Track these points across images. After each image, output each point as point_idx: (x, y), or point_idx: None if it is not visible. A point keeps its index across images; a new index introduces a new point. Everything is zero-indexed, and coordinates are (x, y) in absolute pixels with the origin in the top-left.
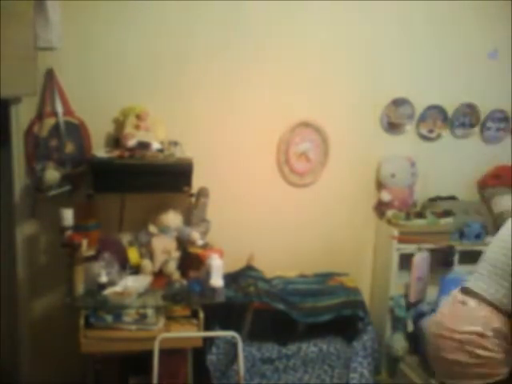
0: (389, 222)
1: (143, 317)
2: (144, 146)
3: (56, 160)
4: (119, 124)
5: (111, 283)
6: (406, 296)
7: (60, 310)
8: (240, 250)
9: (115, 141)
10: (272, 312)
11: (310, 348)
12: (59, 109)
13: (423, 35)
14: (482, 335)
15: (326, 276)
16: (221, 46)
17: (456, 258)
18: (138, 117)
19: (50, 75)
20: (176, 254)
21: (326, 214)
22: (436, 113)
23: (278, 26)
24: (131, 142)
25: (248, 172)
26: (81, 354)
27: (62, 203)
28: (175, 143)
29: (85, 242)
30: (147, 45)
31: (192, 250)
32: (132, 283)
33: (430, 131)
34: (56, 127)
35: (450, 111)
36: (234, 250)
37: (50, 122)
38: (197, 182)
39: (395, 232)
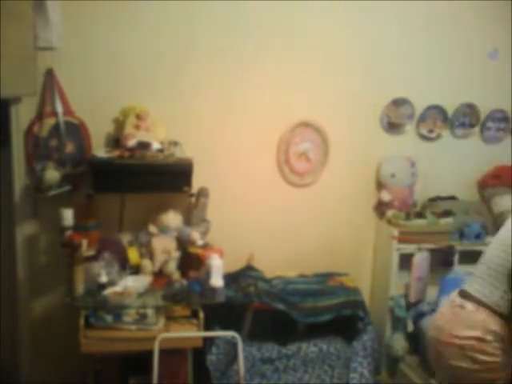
0: (389, 222)
1: (143, 317)
2: (144, 145)
3: (56, 160)
4: (119, 124)
5: (111, 283)
6: (406, 296)
7: (60, 310)
8: (240, 250)
9: (115, 141)
10: (272, 312)
11: (310, 348)
12: (59, 109)
13: (423, 35)
14: (482, 340)
15: (326, 276)
16: (221, 46)
17: (456, 258)
18: (138, 117)
19: (50, 75)
20: (176, 254)
21: (325, 214)
22: (436, 113)
23: (278, 25)
24: (131, 142)
25: (248, 172)
26: (81, 354)
27: (62, 203)
28: (175, 143)
29: (85, 242)
30: (148, 45)
31: (192, 249)
32: (132, 283)
33: (430, 131)
34: (56, 127)
35: (450, 111)
36: (234, 250)
37: (49, 122)
38: (197, 182)
39: (395, 232)
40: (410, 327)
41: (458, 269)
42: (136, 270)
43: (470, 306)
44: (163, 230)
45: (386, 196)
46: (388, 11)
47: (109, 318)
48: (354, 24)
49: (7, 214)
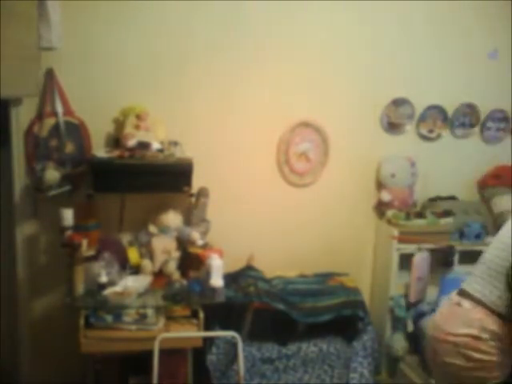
0: (389, 222)
1: (143, 317)
2: (144, 145)
3: (56, 160)
4: (119, 124)
5: (111, 283)
6: (406, 296)
7: (60, 310)
8: (240, 250)
9: (115, 141)
10: (272, 312)
11: (310, 348)
12: (59, 109)
13: (423, 35)
14: (477, 338)
15: (326, 276)
16: (221, 46)
17: (456, 258)
18: (138, 117)
19: (50, 75)
20: (176, 254)
21: (325, 214)
22: (436, 113)
23: (277, 25)
24: (131, 142)
25: (248, 172)
26: (81, 354)
27: (62, 203)
28: (175, 143)
29: (85, 242)
30: (147, 45)
31: (192, 249)
32: (132, 283)
33: (430, 131)
34: (56, 127)
35: (450, 111)
36: (234, 250)
37: (49, 121)
38: (197, 182)
39: (395, 232)
40: (410, 327)
41: (458, 269)
42: (136, 270)
43: (467, 303)
44: (163, 230)
45: (385, 196)
46: (388, 11)
47: (109, 318)
48: (353, 24)
49: (7, 214)
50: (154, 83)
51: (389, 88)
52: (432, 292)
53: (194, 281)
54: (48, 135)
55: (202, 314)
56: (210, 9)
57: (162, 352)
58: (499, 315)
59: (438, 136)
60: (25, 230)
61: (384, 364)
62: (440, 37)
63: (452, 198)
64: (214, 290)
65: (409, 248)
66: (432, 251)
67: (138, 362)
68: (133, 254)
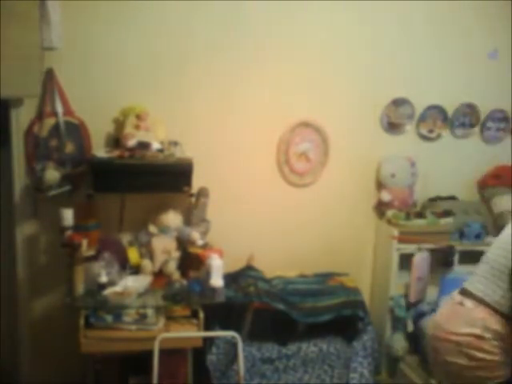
0: (389, 222)
1: (143, 317)
2: (144, 145)
3: (56, 160)
4: (119, 124)
5: (111, 283)
6: (406, 296)
7: (60, 310)
8: (240, 250)
9: (115, 141)
10: (272, 312)
11: (309, 348)
12: (59, 109)
13: (423, 35)
14: (479, 337)
15: (326, 276)
16: (221, 46)
17: (456, 258)
18: (138, 117)
19: (50, 75)
20: (176, 254)
21: (326, 214)
22: (436, 113)
23: (277, 25)
24: (131, 142)
25: (248, 172)
26: (81, 354)
27: (62, 203)
28: (175, 143)
29: (85, 242)
30: (147, 45)
31: (192, 249)
32: (132, 283)
33: (430, 131)
34: (56, 127)
35: (450, 111)
36: (234, 250)
37: (50, 122)
38: (197, 182)
39: (395, 232)
40: (410, 327)
41: (458, 269)
42: (136, 270)
43: (469, 303)
44: (163, 230)
45: (386, 196)
46: (388, 11)
47: (109, 318)
48: (353, 24)
49: (7, 214)
50: (154, 83)
51: (389, 88)
52: (432, 292)
53: (193, 281)
54: (48, 135)
55: (201, 314)
56: (210, 9)
57: (162, 352)
58: (502, 315)
59: (438, 136)
60: (25, 230)
61: (384, 364)
62: (440, 37)
63: (452, 198)
64: (214, 290)
65: (409, 248)
66: (432, 251)
67: (138, 361)
68: (133, 254)
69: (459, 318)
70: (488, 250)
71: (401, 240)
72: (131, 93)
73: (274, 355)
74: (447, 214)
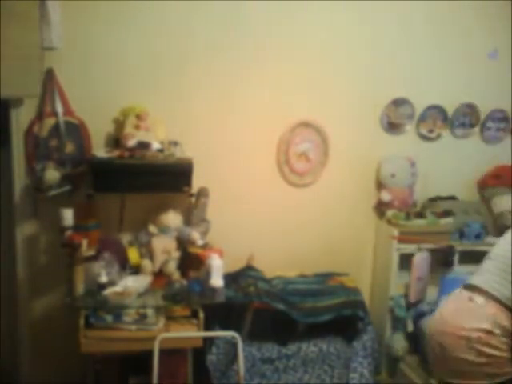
0: (389, 222)
1: (143, 317)
2: (144, 145)
3: (56, 160)
4: (119, 124)
5: (111, 283)
6: (406, 296)
7: (60, 310)
8: (240, 250)
9: (115, 141)
10: (272, 312)
11: (310, 348)
12: (59, 109)
13: (423, 35)
14: (489, 333)
15: (326, 276)
16: (221, 46)
17: (456, 258)
18: (138, 117)
19: (50, 75)
20: (176, 254)
21: (326, 214)
22: (436, 113)
23: (277, 25)
24: (131, 142)
25: (248, 172)
26: (81, 354)
27: (62, 203)
28: (175, 143)
29: (85, 242)
30: (147, 45)
31: (192, 250)
32: (132, 283)
33: (430, 131)
34: (56, 127)
35: (450, 111)
36: (234, 250)
37: (50, 121)
38: (197, 182)
39: (395, 232)
40: (410, 327)
41: (458, 269)
42: (136, 270)
43: (479, 299)
44: (163, 230)
45: (386, 196)
46: (388, 11)
47: (109, 318)
48: (353, 24)
49: (7, 214)
50: (154, 83)
51: (389, 88)
52: (432, 292)
53: (193, 281)
54: (48, 135)
55: (201, 314)
56: (210, 9)
57: (162, 352)
58: None
59: (438, 136)
60: (25, 230)
61: (384, 364)
62: (440, 37)
63: (452, 197)
64: (214, 290)
65: (409, 248)
66: (432, 251)
67: (138, 362)
68: (133, 254)
69: (469, 313)
70: (495, 247)
71: (401, 240)
72: (131, 93)
73: (274, 355)
74: (447, 213)
